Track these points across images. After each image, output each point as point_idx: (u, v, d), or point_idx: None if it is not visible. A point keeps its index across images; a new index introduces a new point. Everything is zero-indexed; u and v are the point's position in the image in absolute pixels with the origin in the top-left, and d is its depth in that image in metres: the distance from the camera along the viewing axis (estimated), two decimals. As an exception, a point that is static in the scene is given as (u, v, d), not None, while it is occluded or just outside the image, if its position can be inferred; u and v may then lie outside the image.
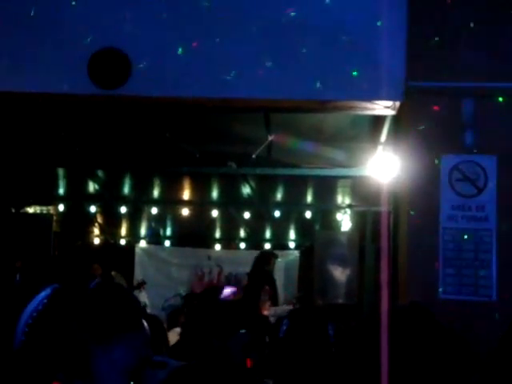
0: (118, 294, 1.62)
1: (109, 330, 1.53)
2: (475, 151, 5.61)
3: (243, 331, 3.43)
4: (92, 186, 11.14)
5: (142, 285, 11.14)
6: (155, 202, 11.77)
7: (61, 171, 10.27)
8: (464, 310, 5.51)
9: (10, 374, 1.56)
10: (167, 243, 13.53)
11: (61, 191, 11.49)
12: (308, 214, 11.59)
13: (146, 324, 1.64)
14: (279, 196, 11.19)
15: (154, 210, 11.94)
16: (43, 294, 1.59)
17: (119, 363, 1.54)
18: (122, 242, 13.51)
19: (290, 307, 8.52)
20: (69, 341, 1.50)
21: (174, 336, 6.90)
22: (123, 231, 13.53)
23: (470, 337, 5.38)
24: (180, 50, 5.99)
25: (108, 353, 1.52)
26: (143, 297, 11.77)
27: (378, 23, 5.77)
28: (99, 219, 13.03)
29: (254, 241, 13.35)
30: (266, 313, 8.90)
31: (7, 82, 5.99)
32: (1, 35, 6.05)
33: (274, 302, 9.83)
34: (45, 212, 11.89)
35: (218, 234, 13.38)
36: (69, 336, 1.51)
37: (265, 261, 10.49)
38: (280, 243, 13.22)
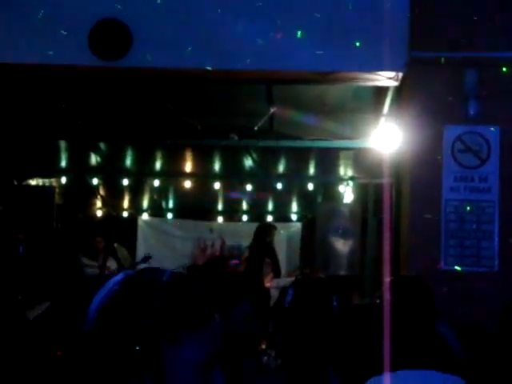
0: (192, 288, 1.58)
1: (181, 327, 1.51)
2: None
3: (245, 302, 3.44)
4: (94, 159, 11.12)
5: (147, 259, 11.16)
6: (157, 175, 11.76)
7: (62, 143, 10.25)
8: (466, 280, 5.52)
9: (81, 357, 1.54)
10: (169, 216, 13.54)
11: (63, 164, 11.47)
12: (310, 186, 11.58)
13: (216, 317, 1.61)
14: (281, 168, 11.17)
15: (156, 183, 11.94)
16: (115, 279, 1.57)
17: (191, 361, 1.51)
18: (125, 214, 13.53)
19: (293, 279, 8.55)
20: (139, 334, 1.48)
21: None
22: (125, 204, 13.53)
23: (471, 307, 5.41)
24: (181, 21, 5.95)
25: (179, 350, 1.50)
26: (146, 269, 11.79)
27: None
28: (101, 191, 13.03)
29: (256, 213, 13.36)
30: (268, 285, 8.92)
31: (8, 54, 5.97)
32: (1, 7, 6.01)
33: (277, 274, 9.85)
34: (47, 184, 11.88)
35: (220, 207, 13.39)
36: (140, 329, 1.49)
37: (265, 233, 10.50)
38: (282, 215, 13.23)
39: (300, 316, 2.99)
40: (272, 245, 10.54)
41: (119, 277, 1.56)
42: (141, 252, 12.19)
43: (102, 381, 1.48)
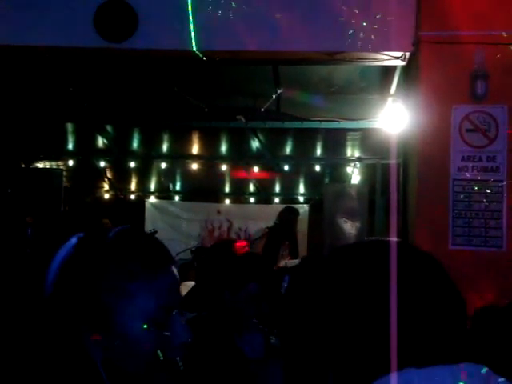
0: (139, 241, 1.60)
1: (126, 278, 1.52)
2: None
3: (252, 283, 3.44)
4: (101, 141, 11.13)
5: (153, 234, 11.16)
6: (164, 157, 11.76)
7: (70, 126, 10.26)
8: (474, 260, 5.52)
9: (40, 322, 1.56)
10: (177, 198, 13.56)
11: (70, 146, 11.48)
12: (317, 168, 11.56)
13: (174, 269, 1.61)
14: (288, 150, 11.15)
15: (164, 165, 11.94)
16: (68, 243, 1.59)
17: (141, 312, 1.52)
18: (132, 196, 13.54)
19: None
20: (91, 291, 1.50)
21: (184, 289, 6.96)
22: (133, 186, 13.55)
23: (479, 287, 5.40)
24: (187, 1, 5.92)
25: (128, 301, 1.51)
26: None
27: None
28: (109, 174, 13.04)
29: (264, 195, 13.36)
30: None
31: (15, 36, 5.95)
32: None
33: (295, 257, 9.82)
34: (54, 167, 11.89)
35: (227, 189, 13.39)
36: (91, 286, 1.50)
37: (284, 217, 10.43)
38: (289, 197, 13.21)
39: (295, 302, 2.98)
40: (295, 230, 10.45)
41: (72, 241, 1.58)
42: (149, 229, 12.22)
43: (56, 340, 1.50)
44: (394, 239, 1.35)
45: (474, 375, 1.17)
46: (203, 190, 13.00)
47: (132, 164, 11.86)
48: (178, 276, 1.61)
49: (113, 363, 1.50)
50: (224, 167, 11.90)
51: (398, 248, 1.29)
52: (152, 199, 13.48)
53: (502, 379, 1.17)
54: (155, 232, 10.98)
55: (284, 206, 11.23)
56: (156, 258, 1.57)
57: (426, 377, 1.16)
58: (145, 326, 1.50)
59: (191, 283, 6.81)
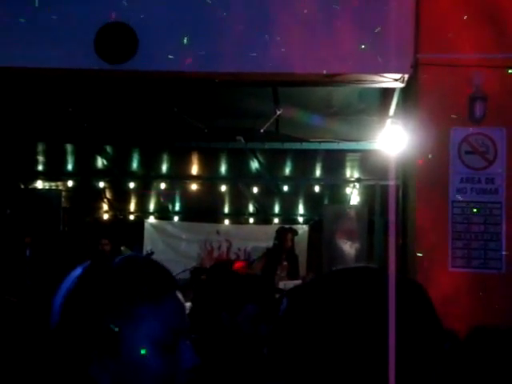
0: (145, 267, 1.60)
1: (134, 304, 1.52)
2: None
3: (251, 305, 3.43)
4: (100, 162, 11.15)
5: (150, 255, 11.14)
6: (164, 178, 11.78)
7: (69, 147, 10.28)
8: (473, 282, 5.51)
9: (48, 353, 1.56)
10: (176, 218, 13.56)
11: (69, 167, 11.50)
12: (317, 189, 11.58)
13: (179, 294, 1.61)
14: (288, 170, 11.17)
15: (163, 186, 11.96)
16: (74, 274, 1.59)
17: (148, 336, 1.52)
18: (131, 217, 13.55)
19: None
20: (98, 319, 1.50)
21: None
22: (132, 206, 13.55)
23: (477, 309, 5.39)
24: (187, 23, 5.95)
25: (135, 326, 1.51)
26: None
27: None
28: (108, 195, 13.05)
29: (263, 216, 13.36)
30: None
31: (15, 58, 5.98)
32: (8, 10, 6.02)
33: (294, 278, 9.80)
34: (54, 188, 11.91)
35: (226, 209, 13.40)
36: (97, 314, 1.51)
37: (280, 236, 10.44)
38: (289, 218, 13.22)
39: (293, 325, 2.97)
40: (293, 249, 10.43)
41: (77, 271, 1.59)
42: (147, 250, 12.22)
43: (63, 369, 1.50)
44: (389, 268, 1.42)
45: None
46: (202, 210, 13.00)
47: (131, 184, 11.87)
48: (183, 300, 1.61)
49: None
50: (223, 188, 11.91)
51: (388, 276, 1.34)
52: (151, 219, 13.48)
53: None
54: (152, 253, 11.01)
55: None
56: (161, 283, 1.58)
57: None
58: (151, 350, 1.51)
59: (188, 304, 6.79)
